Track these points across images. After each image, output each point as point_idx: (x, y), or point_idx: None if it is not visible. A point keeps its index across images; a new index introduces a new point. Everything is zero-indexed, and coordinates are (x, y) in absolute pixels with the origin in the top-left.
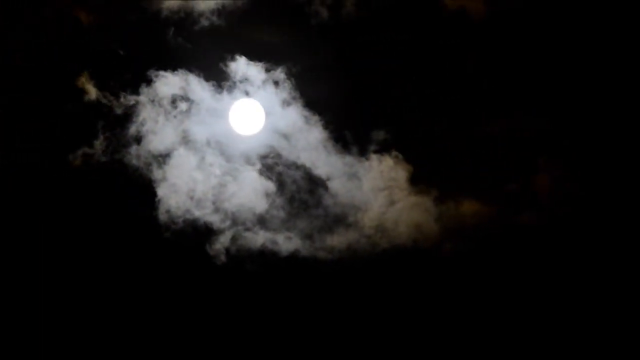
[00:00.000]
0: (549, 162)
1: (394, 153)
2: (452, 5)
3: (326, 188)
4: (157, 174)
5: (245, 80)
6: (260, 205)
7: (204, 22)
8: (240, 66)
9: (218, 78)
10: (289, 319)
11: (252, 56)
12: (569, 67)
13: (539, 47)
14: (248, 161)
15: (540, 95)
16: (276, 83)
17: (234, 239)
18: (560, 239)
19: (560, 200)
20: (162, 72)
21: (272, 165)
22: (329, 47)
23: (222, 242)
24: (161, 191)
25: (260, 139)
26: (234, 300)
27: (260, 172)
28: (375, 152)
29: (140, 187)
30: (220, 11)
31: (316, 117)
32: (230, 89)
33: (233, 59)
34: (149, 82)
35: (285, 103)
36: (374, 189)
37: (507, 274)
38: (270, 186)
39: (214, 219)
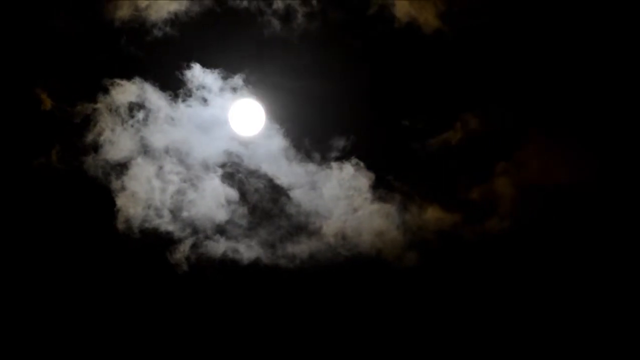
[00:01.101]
0: (509, 166)
1: (355, 160)
2: (405, 16)
3: (287, 196)
4: (114, 183)
5: (201, 88)
6: (222, 213)
7: (159, 32)
8: (196, 73)
9: (174, 86)
10: (250, 327)
11: (208, 64)
12: (526, 71)
13: (496, 53)
14: (209, 169)
15: (498, 100)
16: (234, 90)
17: (194, 247)
18: (525, 245)
19: (523, 205)
20: (117, 80)
21: (233, 173)
22: (287, 55)
23: (183, 251)
24: (120, 200)
25: (219, 146)
26: (196, 308)
27: (222, 181)
28: (336, 159)
29: (99, 196)
30: (174, 20)
31: (276, 125)
32: (187, 97)
33: (189, 66)
34: (103, 90)
35: (244, 110)
36: (335, 197)
37: (472, 281)
38: (232, 194)
39: (173, 228)
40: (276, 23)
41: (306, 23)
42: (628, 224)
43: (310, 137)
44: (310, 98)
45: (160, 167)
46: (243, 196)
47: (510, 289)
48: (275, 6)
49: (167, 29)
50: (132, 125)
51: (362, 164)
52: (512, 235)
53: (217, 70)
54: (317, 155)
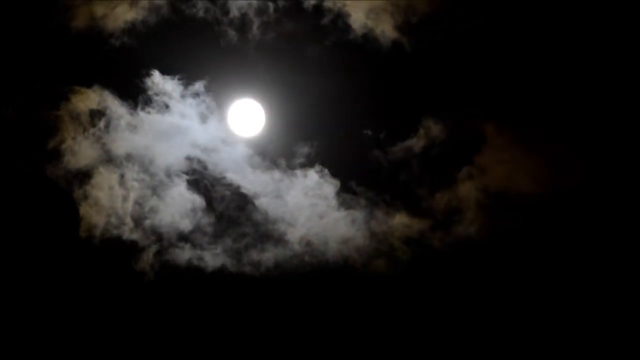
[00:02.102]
0: (473, 172)
1: (319, 167)
2: (362, 27)
3: (252, 203)
4: (77, 192)
5: (162, 94)
6: (187, 221)
7: (119, 39)
8: (156, 80)
9: (134, 93)
10: (216, 335)
11: (168, 70)
12: (487, 76)
13: (454, 60)
14: (173, 177)
15: (460, 107)
16: (195, 97)
17: (159, 255)
18: (494, 251)
19: (489, 210)
20: (77, 88)
21: (197, 180)
22: (245, 64)
23: (147, 259)
24: (84, 209)
25: (181, 154)
26: (160, 317)
27: (186, 188)
28: (301, 166)
29: (58, 204)
30: (132, 29)
31: (239, 133)
32: (147, 104)
33: (148, 74)
34: (64, 98)
35: (204, 118)
36: (300, 204)
37: (440, 288)
38: (197, 202)
39: (138, 236)
40: (233, 32)
41: (264, 32)
42: (596, 227)
43: (275, 144)
44: (273, 106)
45: (124, 175)
46: (207, 203)
47: (479, 296)
48: (232, 15)
49: (126, 37)
50: (94, 134)
51: (326, 170)
52: (480, 241)
53: (177, 77)
54: (282, 163)
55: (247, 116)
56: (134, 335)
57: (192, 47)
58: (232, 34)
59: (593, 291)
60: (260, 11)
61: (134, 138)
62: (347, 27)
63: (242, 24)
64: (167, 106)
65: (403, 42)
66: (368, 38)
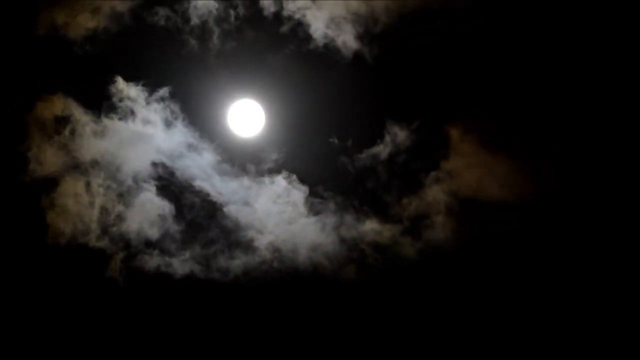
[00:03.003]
0: (441, 177)
1: (286, 173)
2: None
3: (220, 210)
4: (44, 200)
5: (126, 100)
6: (155, 228)
7: (82, 47)
8: (120, 87)
9: (98, 100)
10: (185, 343)
11: (131, 77)
12: (451, 82)
13: (418, 66)
14: (140, 184)
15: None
16: (159, 103)
17: (127, 262)
18: (464, 257)
19: (458, 216)
20: (42, 95)
21: (164, 187)
22: (207, 70)
23: (115, 267)
24: (50, 217)
25: (147, 160)
26: (129, 324)
27: (154, 195)
28: (269, 173)
29: (25, 212)
30: (94, 36)
31: (204, 140)
32: (112, 110)
33: (112, 80)
34: (28, 106)
35: (169, 124)
36: (270, 211)
37: (411, 294)
38: (165, 209)
39: (106, 243)
40: (194, 42)
41: (224, 40)
42: (567, 232)
43: (241, 151)
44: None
45: (90, 182)
46: (175, 210)
47: (450, 301)
48: (193, 22)
49: (88, 45)
50: (60, 141)
51: (294, 177)
52: (449, 245)
53: (141, 83)
54: (249, 169)
55: (216, 121)
56: (102, 342)
57: (155, 53)
58: (193, 41)
59: (566, 298)
60: (221, 20)
61: (100, 145)
62: (308, 37)
63: (203, 32)
64: (132, 112)
65: (364, 50)
66: (329, 47)
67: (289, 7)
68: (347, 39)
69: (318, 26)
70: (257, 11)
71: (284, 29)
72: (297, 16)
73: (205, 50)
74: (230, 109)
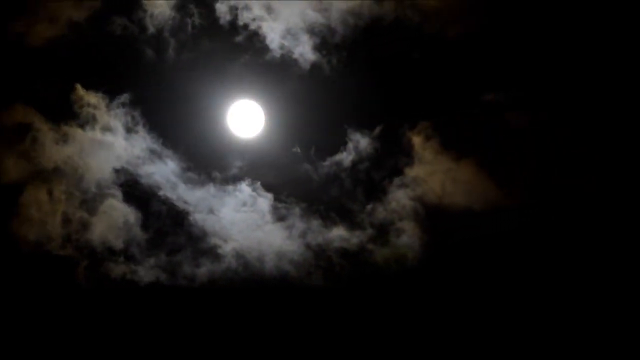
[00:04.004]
0: (405, 184)
1: (249, 181)
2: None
3: (186, 218)
4: (7, 209)
5: (86, 107)
6: (122, 235)
7: (44, 54)
8: (80, 94)
9: (59, 108)
10: (153, 348)
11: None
12: (415, 90)
13: (382, 73)
14: (104, 191)
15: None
16: (120, 110)
17: (93, 269)
18: (430, 261)
19: (423, 222)
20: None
21: (129, 194)
22: (165, 80)
23: (81, 273)
24: (13, 225)
25: (109, 168)
26: (96, 330)
27: (121, 203)
28: (234, 180)
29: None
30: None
31: (168, 149)
32: (74, 118)
33: (72, 88)
34: None
35: (131, 131)
36: (234, 218)
37: (379, 299)
38: (132, 216)
39: (71, 251)
40: (151, 51)
41: (182, 48)
42: (529, 239)
43: (206, 160)
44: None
45: (52, 190)
46: (141, 217)
47: (418, 306)
48: (150, 31)
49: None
50: (21, 149)
51: (258, 183)
52: (413, 248)
53: (101, 91)
54: (214, 177)
55: (179, 132)
56: (67, 349)
57: (115, 61)
58: (150, 51)
59: (532, 301)
60: (178, 29)
61: (63, 152)
62: (265, 48)
63: (159, 42)
64: (94, 119)
65: (323, 62)
66: (285, 59)
67: (245, 17)
68: (305, 50)
69: (274, 37)
70: (213, 21)
71: (240, 39)
72: (252, 27)
73: (164, 58)
74: (195, 115)
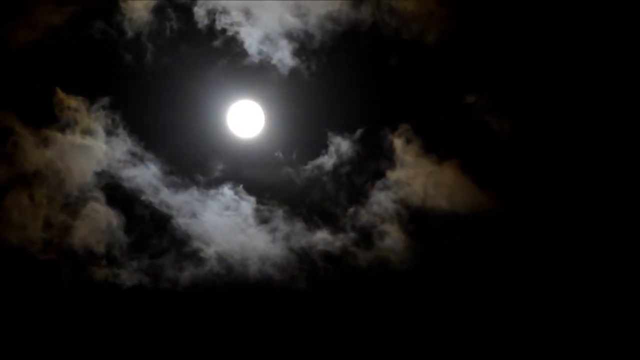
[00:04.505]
0: (386, 186)
1: (230, 184)
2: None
3: (169, 221)
4: None
5: (66, 110)
6: (104, 239)
7: (23, 58)
8: (60, 98)
9: (39, 112)
10: (136, 352)
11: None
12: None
13: (360, 77)
14: (88, 196)
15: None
16: (102, 114)
17: (74, 273)
18: (415, 266)
19: (405, 224)
20: None
21: (112, 198)
22: (141, 84)
23: (63, 277)
24: None
25: (90, 172)
26: (78, 335)
27: (103, 206)
28: (216, 184)
29: None
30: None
31: (150, 152)
32: (55, 123)
33: (52, 92)
34: None
35: (112, 134)
36: (216, 222)
37: (363, 304)
38: (115, 220)
39: (53, 255)
40: (130, 55)
41: (160, 53)
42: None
43: (188, 163)
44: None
45: (34, 194)
46: (124, 221)
47: (402, 309)
48: (129, 35)
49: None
50: (1, 154)
51: (241, 186)
52: (398, 254)
53: (81, 95)
54: (197, 180)
55: (158, 135)
56: (50, 353)
57: (95, 65)
58: (129, 54)
59: (512, 306)
60: (156, 35)
61: (44, 156)
62: (243, 52)
63: (138, 45)
64: (75, 123)
65: (301, 65)
66: (263, 63)
67: (224, 21)
68: (284, 55)
69: (252, 42)
70: (192, 25)
71: (218, 43)
72: (230, 33)
73: (144, 61)
74: (178, 118)
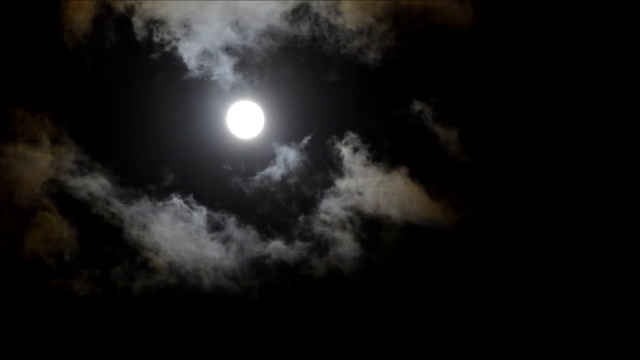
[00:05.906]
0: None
1: (181, 193)
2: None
3: (119, 232)
4: None
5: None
6: (55, 249)
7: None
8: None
9: None
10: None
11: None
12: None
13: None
14: (36, 206)
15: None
16: (49, 124)
17: (26, 284)
18: (372, 274)
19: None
20: None
21: (62, 209)
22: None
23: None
24: None
25: (38, 183)
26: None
27: (54, 216)
28: (166, 193)
29: None
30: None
31: (98, 162)
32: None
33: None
34: None
35: (57, 143)
36: (168, 232)
37: (318, 312)
38: (65, 230)
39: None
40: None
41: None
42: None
43: (138, 172)
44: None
45: None
46: (75, 231)
47: (355, 318)
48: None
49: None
50: None
51: (191, 196)
52: (349, 263)
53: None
54: (148, 190)
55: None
56: None
57: (39, 76)
58: (74, 65)
59: (463, 313)
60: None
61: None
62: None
63: (80, 57)
64: (21, 134)
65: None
66: (204, 80)
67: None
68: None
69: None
70: (132, 37)
71: (157, 56)
72: (167, 49)
73: (87, 72)
74: (124, 128)
